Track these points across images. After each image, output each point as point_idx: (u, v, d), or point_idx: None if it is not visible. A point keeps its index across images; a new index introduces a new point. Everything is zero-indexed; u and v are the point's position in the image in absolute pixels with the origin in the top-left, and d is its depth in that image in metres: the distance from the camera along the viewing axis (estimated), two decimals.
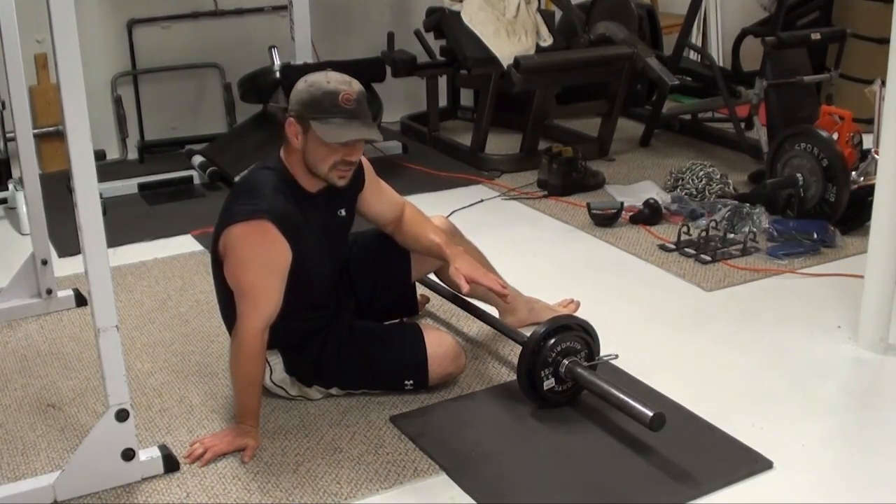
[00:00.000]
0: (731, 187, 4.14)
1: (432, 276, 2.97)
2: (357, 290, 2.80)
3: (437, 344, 2.64)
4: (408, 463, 2.37)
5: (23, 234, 3.83)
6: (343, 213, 2.62)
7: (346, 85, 2.40)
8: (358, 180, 2.63)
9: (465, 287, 2.60)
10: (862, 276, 2.91)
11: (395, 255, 2.81)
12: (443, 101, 5.40)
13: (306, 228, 2.46)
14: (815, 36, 4.38)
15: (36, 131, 4.02)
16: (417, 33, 4.94)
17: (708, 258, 3.53)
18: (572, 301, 3.13)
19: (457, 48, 4.68)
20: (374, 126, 2.45)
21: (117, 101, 4.90)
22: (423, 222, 2.77)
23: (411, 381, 2.63)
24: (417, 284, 2.96)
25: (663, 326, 3.09)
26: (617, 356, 2.62)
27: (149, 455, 2.33)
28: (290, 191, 2.46)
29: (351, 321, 2.69)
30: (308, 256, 2.45)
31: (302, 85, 2.42)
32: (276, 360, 2.58)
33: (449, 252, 2.67)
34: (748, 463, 2.35)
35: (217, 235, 2.45)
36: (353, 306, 2.76)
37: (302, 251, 2.42)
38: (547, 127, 4.87)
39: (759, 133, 4.33)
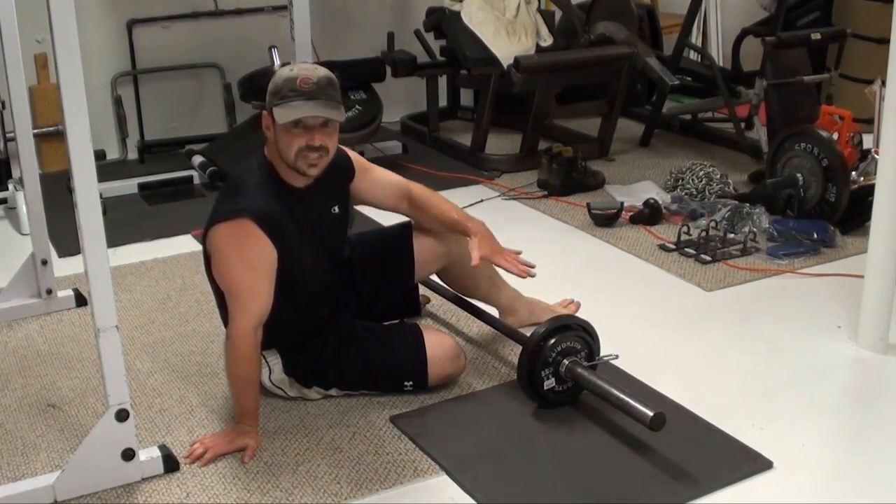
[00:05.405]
0: (731, 187, 4.13)
1: (434, 277, 2.97)
2: (360, 290, 2.79)
3: (437, 345, 2.63)
4: (408, 463, 2.37)
5: (23, 234, 3.83)
6: (337, 209, 2.60)
7: (308, 71, 2.39)
8: (345, 171, 2.61)
9: (475, 261, 2.60)
10: (862, 276, 2.91)
11: (398, 255, 2.80)
12: (443, 101, 5.40)
13: (293, 225, 2.45)
14: (815, 36, 4.38)
15: (36, 131, 4.01)
16: (417, 33, 4.95)
17: (708, 258, 3.53)
18: (572, 301, 3.13)
19: (457, 48, 4.68)
20: (336, 107, 2.39)
21: (117, 101, 4.90)
22: (439, 202, 2.75)
23: (411, 383, 2.62)
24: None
25: (663, 326, 3.08)
26: (617, 356, 2.62)
27: (149, 455, 2.33)
28: (275, 187, 2.45)
29: (351, 322, 2.68)
30: (296, 254, 2.44)
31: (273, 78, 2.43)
32: (276, 361, 2.58)
33: (471, 226, 2.69)
34: (748, 463, 2.35)
35: (204, 236, 2.46)
36: (354, 307, 2.75)
37: (288, 249, 2.41)
38: (547, 127, 4.86)
39: (759, 133, 4.33)
